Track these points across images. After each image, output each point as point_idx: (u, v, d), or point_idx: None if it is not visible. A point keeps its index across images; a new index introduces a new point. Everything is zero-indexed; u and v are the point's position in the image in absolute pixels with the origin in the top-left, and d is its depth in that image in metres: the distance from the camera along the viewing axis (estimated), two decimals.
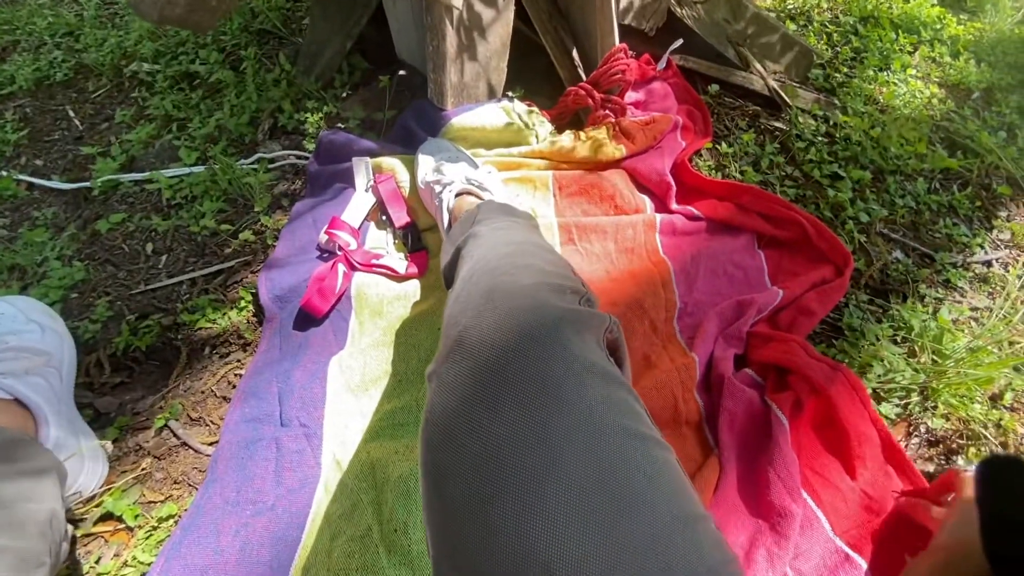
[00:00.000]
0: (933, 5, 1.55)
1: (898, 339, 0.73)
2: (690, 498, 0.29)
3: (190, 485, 0.64)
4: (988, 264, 0.88)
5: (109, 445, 0.65)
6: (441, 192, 0.75)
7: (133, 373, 0.74)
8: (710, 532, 0.28)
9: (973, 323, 0.75)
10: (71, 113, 1.09)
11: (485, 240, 0.50)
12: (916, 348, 0.71)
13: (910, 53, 1.41)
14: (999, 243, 0.93)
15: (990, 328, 0.68)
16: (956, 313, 0.76)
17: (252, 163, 0.94)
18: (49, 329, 0.67)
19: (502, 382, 0.30)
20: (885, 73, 1.30)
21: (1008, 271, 0.86)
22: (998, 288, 0.83)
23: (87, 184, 0.94)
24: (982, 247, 0.90)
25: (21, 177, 0.97)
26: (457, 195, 0.74)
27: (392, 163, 0.87)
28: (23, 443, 0.50)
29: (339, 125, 0.99)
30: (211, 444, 0.68)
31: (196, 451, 0.67)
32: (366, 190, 0.86)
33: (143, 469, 0.65)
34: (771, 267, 0.81)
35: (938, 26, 1.50)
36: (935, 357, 0.69)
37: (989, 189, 1.03)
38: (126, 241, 0.88)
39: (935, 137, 1.14)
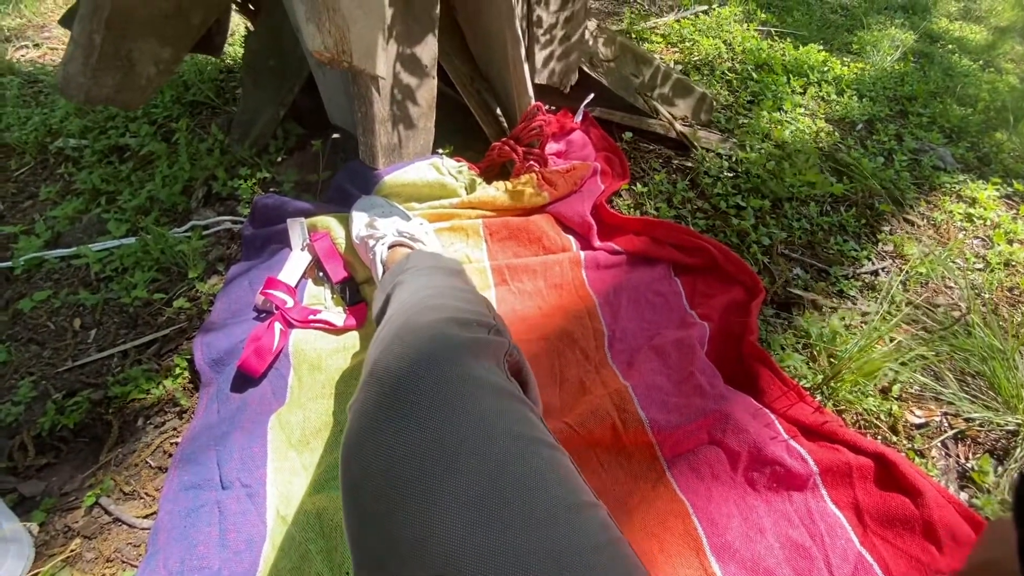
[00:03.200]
0: (820, 51, 1.77)
1: (800, 346, 0.81)
2: (578, 488, 0.33)
3: (124, 562, 0.62)
4: (875, 274, 0.99)
5: (35, 527, 0.62)
6: (375, 245, 0.79)
7: (60, 453, 0.72)
8: (598, 517, 0.32)
9: (864, 326, 0.84)
10: None
11: (408, 286, 0.54)
12: (815, 352, 0.79)
13: (800, 93, 1.59)
14: (884, 254, 1.05)
15: (874, 327, 0.77)
16: (849, 319, 0.85)
17: (186, 231, 0.95)
18: None
19: (404, 403, 0.34)
20: (779, 113, 1.46)
21: (892, 278, 0.97)
22: (885, 294, 0.94)
23: (8, 264, 0.92)
24: (869, 259, 1.02)
25: None
26: (390, 247, 0.78)
27: (327, 221, 0.90)
28: None
29: (272, 189, 1.02)
30: (146, 517, 0.66)
31: (130, 526, 0.65)
32: (302, 249, 0.89)
33: (72, 550, 0.62)
34: (687, 292, 0.88)
35: (824, 68, 1.71)
36: (831, 359, 0.77)
37: (872, 208, 1.17)
38: (52, 318, 0.86)
39: (824, 166, 1.28)
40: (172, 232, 0.93)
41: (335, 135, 1.08)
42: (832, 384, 0.74)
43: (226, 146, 1.08)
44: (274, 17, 1.03)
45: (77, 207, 0.99)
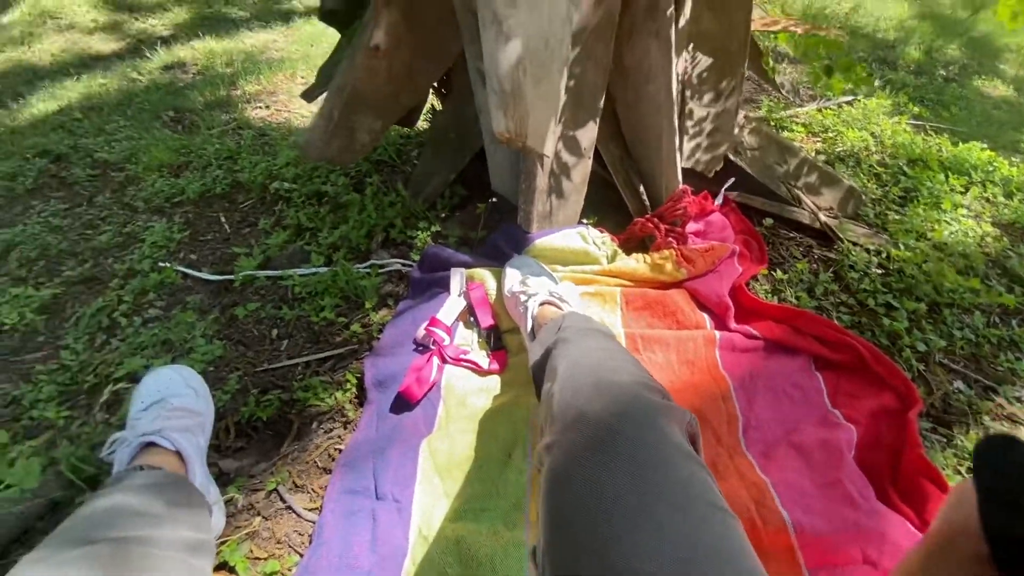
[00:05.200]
0: (983, 149, 1.65)
1: (962, 470, 0.74)
2: (758, 562, 0.35)
3: (290, 546, 0.72)
4: None
5: (240, 499, 0.75)
6: (527, 301, 0.88)
7: (251, 440, 0.86)
8: None
9: None
10: (223, 219, 1.34)
11: (576, 345, 0.60)
12: None
13: (962, 193, 1.49)
14: None
15: None
16: None
17: (366, 267, 1.12)
18: (201, 395, 0.81)
19: (613, 451, 0.39)
20: (936, 212, 1.38)
21: None
22: None
23: (230, 277, 1.14)
24: None
25: (179, 268, 1.19)
26: (541, 304, 0.86)
27: (483, 274, 1.02)
28: (189, 484, 0.61)
29: (439, 241, 1.18)
30: (311, 510, 0.76)
31: (298, 515, 0.76)
32: (459, 295, 1.01)
33: (253, 527, 0.74)
34: (830, 388, 0.86)
35: (989, 168, 1.59)
36: None
37: None
38: (256, 326, 1.05)
39: (992, 273, 1.19)
40: (355, 267, 1.11)
41: (494, 199, 1.22)
42: None
43: (405, 200, 1.27)
44: (460, 99, 1.22)
45: (285, 238, 1.21)
